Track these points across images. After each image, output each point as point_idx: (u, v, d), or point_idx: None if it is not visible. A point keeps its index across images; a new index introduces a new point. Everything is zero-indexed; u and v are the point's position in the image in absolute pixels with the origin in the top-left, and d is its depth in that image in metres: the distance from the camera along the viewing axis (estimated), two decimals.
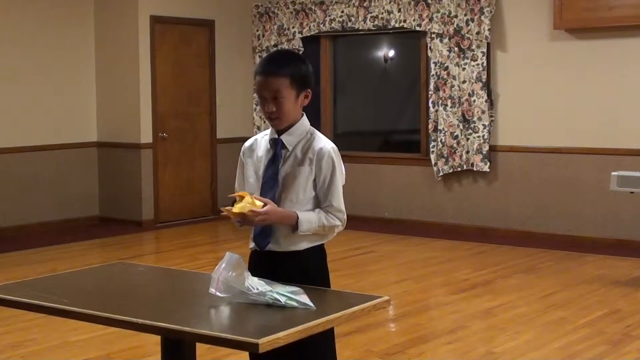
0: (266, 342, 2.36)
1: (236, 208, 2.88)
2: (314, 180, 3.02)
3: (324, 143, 3.04)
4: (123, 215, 9.26)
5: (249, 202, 2.88)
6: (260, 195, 3.02)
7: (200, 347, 2.89)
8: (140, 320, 2.57)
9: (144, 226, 9.10)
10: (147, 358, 4.70)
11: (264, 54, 9.67)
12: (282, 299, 2.66)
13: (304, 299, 2.66)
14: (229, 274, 2.71)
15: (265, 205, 2.90)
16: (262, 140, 3.13)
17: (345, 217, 3.07)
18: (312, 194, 3.03)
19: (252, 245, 3.10)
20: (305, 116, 3.09)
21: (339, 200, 3.03)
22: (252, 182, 3.09)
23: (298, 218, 2.95)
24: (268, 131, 3.14)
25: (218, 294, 2.71)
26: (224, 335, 2.45)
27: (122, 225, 9.11)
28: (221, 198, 9.59)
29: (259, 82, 3.00)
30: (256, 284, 2.72)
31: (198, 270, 5.89)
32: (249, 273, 2.75)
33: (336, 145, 3.10)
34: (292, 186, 3.01)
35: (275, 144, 3.06)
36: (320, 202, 3.03)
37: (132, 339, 4.89)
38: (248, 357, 3.07)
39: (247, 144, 3.19)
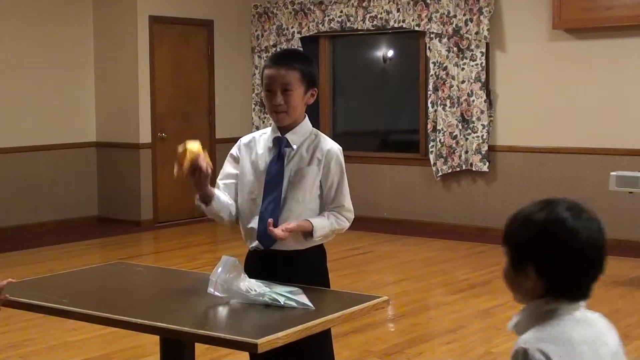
0: (265, 342, 2.36)
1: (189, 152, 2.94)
2: (320, 180, 3.03)
3: (331, 144, 3.07)
4: (122, 215, 9.26)
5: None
6: (264, 193, 3.01)
7: (199, 347, 2.89)
8: (139, 321, 2.57)
9: (142, 226, 9.10)
10: (146, 358, 4.70)
11: (263, 54, 9.68)
12: (281, 299, 2.65)
13: (303, 299, 2.66)
14: (226, 276, 2.71)
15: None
16: (260, 138, 3.12)
17: (353, 216, 3.11)
18: (317, 193, 3.04)
19: (253, 244, 3.08)
20: (307, 117, 3.10)
21: (349, 200, 3.08)
22: (252, 179, 3.06)
23: (313, 226, 2.97)
24: (267, 130, 3.13)
25: (217, 294, 2.71)
26: (222, 335, 2.45)
27: (121, 225, 9.11)
28: None
29: (269, 74, 3.00)
30: (254, 286, 2.71)
31: (197, 270, 5.89)
32: (246, 275, 2.75)
33: (339, 146, 3.13)
34: (300, 186, 3.00)
35: (279, 143, 3.05)
36: (327, 203, 3.04)
37: (130, 339, 4.89)
38: (247, 357, 3.06)
39: (245, 140, 3.16)
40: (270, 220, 2.91)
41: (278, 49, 9.52)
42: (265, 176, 3.04)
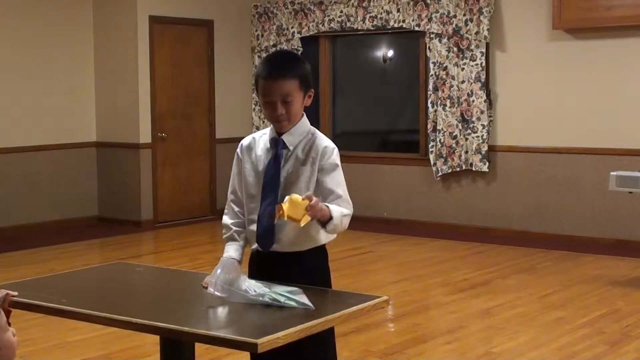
0: (265, 342, 2.36)
1: (290, 211, 2.69)
2: (317, 180, 2.99)
3: (326, 142, 3.04)
4: (122, 215, 9.26)
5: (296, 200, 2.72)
6: (262, 195, 3.01)
7: (199, 347, 2.89)
8: (139, 320, 2.57)
9: (142, 226, 9.10)
10: (146, 358, 4.70)
11: (263, 54, 9.67)
12: (281, 299, 2.65)
13: (303, 298, 2.66)
14: (226, 276, 2.71)
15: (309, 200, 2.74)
16: (260, 139, 3.10)
17: (352, 208, 3.00)
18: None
19: (254, 245, 3.08)
20: (305, 116, 3.07)
21: (346, 193, 2.99)
22: (251, 180, 3.07)
23: (329, 209, 2.83)
24: (266, 130, 3.12)
25: (217, 293, 2.71)
26: (222, 335, 2.45)
27: (121, 225, 9.11)
28: (220, 198, 9.58)
29: (266, 85, 2.95)
30: (253, 286, 2.71)
31: (197, 270, 5.88)
32: (246, 276, 2.75)
33: (335, 145, 3.09)
34: (295, 186, 2.97)
35: (276, 144, 3.03)
36: (324, 198, 2.95)
37: (131, 339, 4.89)
38: (247, 357, 3.06)
39: (245, 142, 3.15)
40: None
41: (277, 49, 9.52)
42: (263, 178, 3.04)
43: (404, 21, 8.80)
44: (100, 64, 9.34)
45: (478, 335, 5.23)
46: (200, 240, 8.54)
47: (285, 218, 2.68)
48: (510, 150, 8.39)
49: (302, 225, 2.68)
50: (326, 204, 2.85)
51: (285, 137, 3.02)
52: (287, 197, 2.70)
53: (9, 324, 2.23)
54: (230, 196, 3.15)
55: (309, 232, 2.96)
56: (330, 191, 2.97)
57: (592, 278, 6.64)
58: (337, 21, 9.24)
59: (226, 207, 3.16)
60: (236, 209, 3.11)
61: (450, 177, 8.73)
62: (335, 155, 3.01)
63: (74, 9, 9.18)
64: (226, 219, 3.13)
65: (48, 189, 8.99)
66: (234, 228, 3.09)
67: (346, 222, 2.94)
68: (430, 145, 8.68)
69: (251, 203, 3.05)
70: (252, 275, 2.98)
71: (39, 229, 8.82)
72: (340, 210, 2.89)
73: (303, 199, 2.69)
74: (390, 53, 9.54)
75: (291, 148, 3.01)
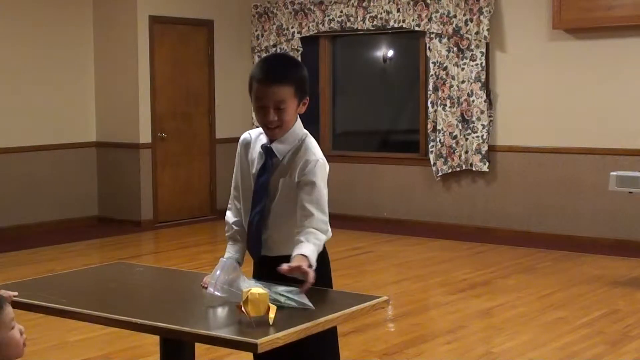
0: (265, 342, 2.36)
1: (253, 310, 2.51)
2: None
3: (310, 155, 2.92)
4: (122, 216, 9.26)
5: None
6: (252, 202, 2.98)
7: (199, 347, 2.89)
8: (139, 321, 2.57)
9: (142, 226, 9.10)
10: (146, 358, 4.70)
11: (263, 54, 9.66)
12: (281, 299, 2.65)
13: (303, 298, 2.66)
14: (226, 277, 2.71)
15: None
16: (257, 140, 3.05)
17: (329, 226, 2.91)
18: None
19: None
20: (299, 121, 3.00)
21: (320, 209, 2.87)
22: (247, 183, 3.04)
23: (308, 257, 2.74)
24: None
25: (217, 293, 2.71)
26: (222, 335, 2.45)
27: (121, 225, 9.11)
28: (220, 198, 9.59)
29: (261, 90, 2.88)
30: (253, 287, 2.71)
31: (197, 270, 5.88)
32: (245, 277, 2.75)
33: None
34: (281, 197, 2.94)
35: (266, 153, 2.97)
36: (298, 214, 2.86)
37: (131, 339, 4.89)
38: (247, 357, 3.06)
39: (244, 139, 3.10)
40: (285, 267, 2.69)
41: (278, 49, 9.53)
42: (254, 185, 3.00)
43: (404, 21, 8.80)
44: (101, 63, 9.34)
45: (478, 335, 5.23)
46: (200, 240, 8.54)
47: (251, 319, 2.50)
48: (510, 150, 8.39)
49: (271, 322, 2.46)
50: (298, 253, 2.73)
51: (275, 146, 2.95)
52: (246, 295, 2.50)
53: None
54: (233, 192, 3.12)
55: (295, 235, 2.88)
56: (302, 208, 2.86)
57: (592, 278, 6.64)
58: (337, 21, 9.24)
59: (229, 202, 3.14)
60: (238, 205, 3.09)
61: (450, 177, 8.72)
62: (315, 169, 2.89)
63: (74, 8, 9.18)
64: (229, 216, 3.11)
65: (48, 189, 8.99)
66: (236, 228, 3.07)
67: (322, 244, 2.87)
68: (430, 145, 8.68)
69: (246, 205, 3.04)
70: (255, 276, 2.97)
71: (39, 229, 8.82)
72: (313, 245, 2.78)
73: (260, 294, 2.51)
74: (390, 53, 9.54)
75: (280, 157, 2.95)
